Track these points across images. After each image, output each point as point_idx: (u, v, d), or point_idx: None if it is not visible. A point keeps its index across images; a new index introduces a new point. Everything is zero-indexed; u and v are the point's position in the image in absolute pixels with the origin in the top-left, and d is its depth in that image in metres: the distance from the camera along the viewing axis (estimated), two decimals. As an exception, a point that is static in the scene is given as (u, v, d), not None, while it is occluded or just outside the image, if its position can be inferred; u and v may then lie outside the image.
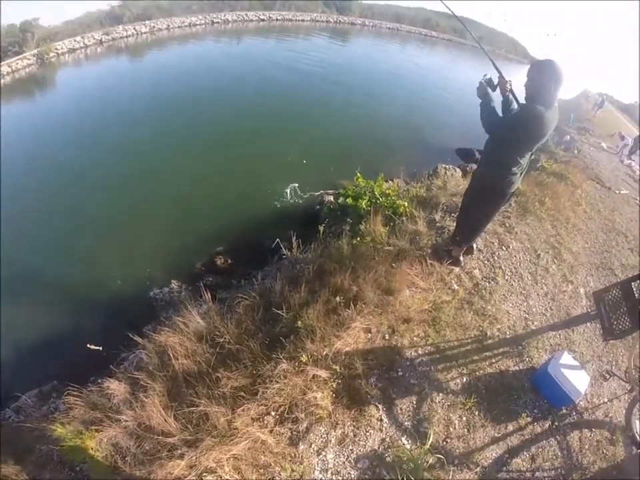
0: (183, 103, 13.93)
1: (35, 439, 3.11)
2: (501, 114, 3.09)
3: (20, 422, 3.66)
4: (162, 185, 8.98)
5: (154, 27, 31.62)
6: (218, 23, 37.93)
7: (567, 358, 3.17)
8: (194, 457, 2.36)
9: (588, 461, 2.89)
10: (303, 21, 47.12)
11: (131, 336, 3.72)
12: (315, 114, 14.14)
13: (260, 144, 11.13)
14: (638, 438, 3.07)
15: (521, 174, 3.27)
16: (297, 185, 4.50)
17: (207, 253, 6.84)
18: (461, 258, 4.20)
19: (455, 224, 4.25)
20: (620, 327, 3.06)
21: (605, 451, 3.01)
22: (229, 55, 24.06)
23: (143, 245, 7.05)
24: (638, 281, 3.13)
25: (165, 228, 7.55)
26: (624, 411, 3.27)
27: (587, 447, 2.99)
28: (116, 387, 3.01)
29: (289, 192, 4.40)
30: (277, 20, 44.00)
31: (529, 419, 3.00)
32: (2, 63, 20.08)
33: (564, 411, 3.15)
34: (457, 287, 3.94)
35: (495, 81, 3.05)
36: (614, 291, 3.28)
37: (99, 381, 3.30)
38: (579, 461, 2.87)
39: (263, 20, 42.47)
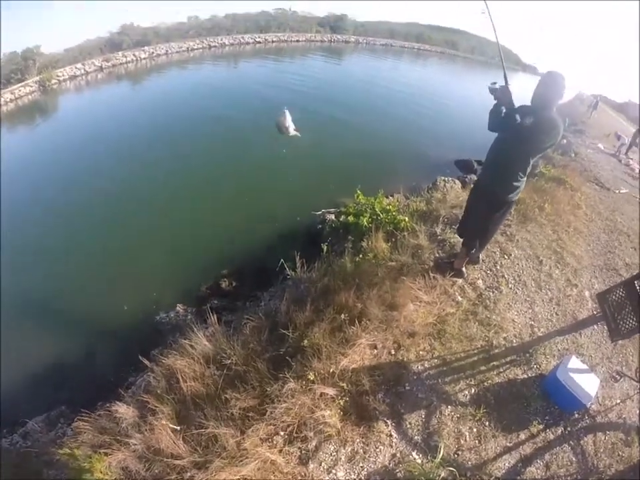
0: (183, 132, 13.99)
1: (43, 463, 3.16)
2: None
3: (28, 447, 3.70)
4: (165, 211, 9.04)
5: (153, 52, 32.57)
6: (215, 46, 38.94)
7: (575, 362, 3.17)
8: (203, 479, 2.38)
9: (604, 464, 2.87)
10: (298, 41, 48.25)
11: (139, 360, 3.76)
12: (311, 135, 14.13)
13: (259, 167, 11.21)
14: None
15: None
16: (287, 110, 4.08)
17: (212, 276, 6.86)
18: (464, 269, 4.24)
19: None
20: (627, 326, 3.08)
21: (620, 452, 2.99)
22: (226, 79, 24.55)
23: (148, 270, 7.08)
24: None
25: (169, 253, 7.59)
26: (637, 411, 3.25)
27: (601, 450, 2.97)
28: (124, 411, 3.04)
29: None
30: (272, 42, 45.04)
31: (540, 426, 2.99)
32: (4, 90, 20.55)
33: (576, 415, 3.14)
34: (460, 299, 3.97)
35: (500, 90, 3.14)
36: (617, 291, 3.30)
37: (107, 405, 3.31)
38: (594, 464, 2.84)
39: (259, 42, 43.46)
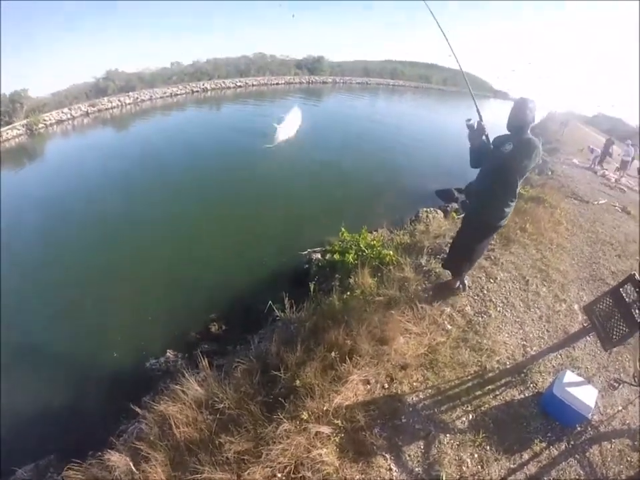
0: (165, 175, 14.24)
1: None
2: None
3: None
4: (151, 258, 9.04)
5: (137, 97, 33.84)
6: (197, 91, 40.48)
7: (570, 376, 3.19)
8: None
9: (613, 472, 2.86)
10: (277, 84, 50.23)
11: (130, 407, 3.76)
12: (294, 177, 14.34)
13: (243, 212, 11.37)
14: None
15: None
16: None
17: (201, 320, 6.84)
18: (459, 284, 4.37)
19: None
20: (617, 333, 3.12)
21: (628, 458, 2.98)
22: (207, 123, 25.29)
23: (137, 317, 7.01)
24: (626, 286, 3.21)
25: (157, 300, 7.54)
26: (640, 414, 3.26)
27: (609, 458, 2.96)
28: (117, 459, 2.98)
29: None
30: (253, 85, 46.91)
31: (543, 444, 2.97)
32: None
33: (578, 428, 3.13)
34: (450, 327, 3.98)
35: (475, 125, 3.34)
36: (604, 301, 3.37)
37: (99, 453, 3.26)
38: (603, 474, 2.83)
39: (240, 86, 45.43)
